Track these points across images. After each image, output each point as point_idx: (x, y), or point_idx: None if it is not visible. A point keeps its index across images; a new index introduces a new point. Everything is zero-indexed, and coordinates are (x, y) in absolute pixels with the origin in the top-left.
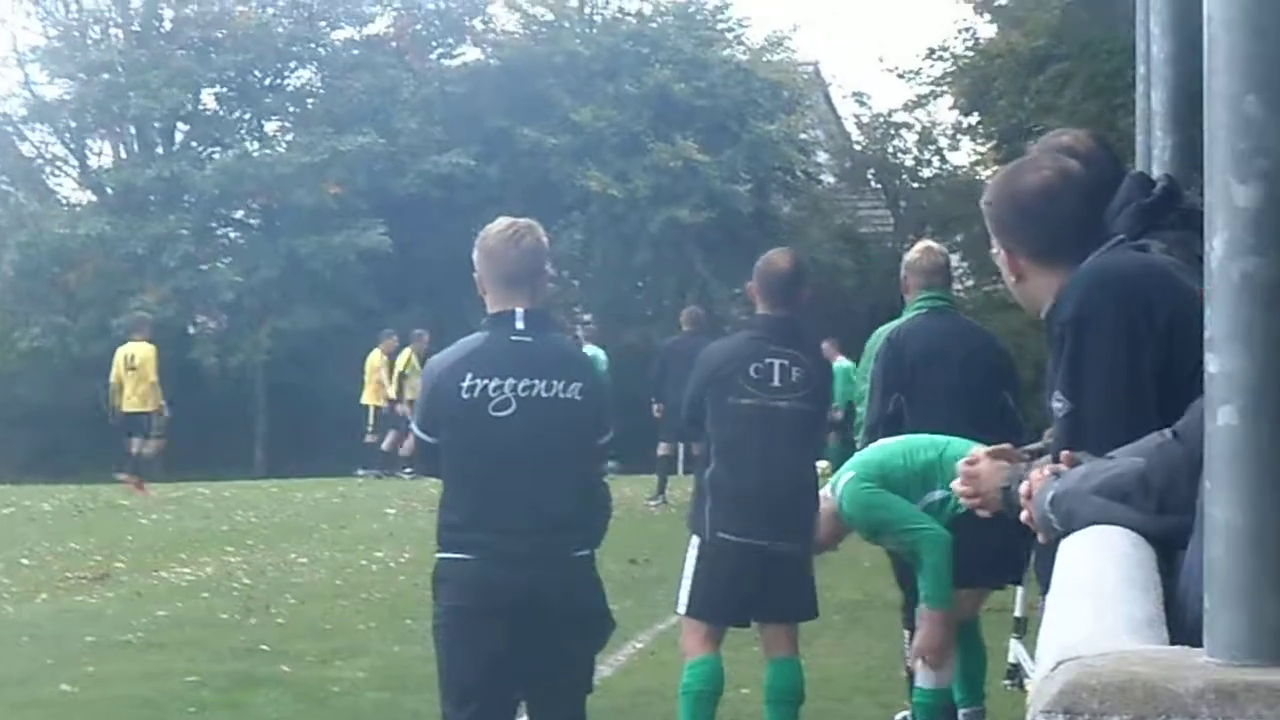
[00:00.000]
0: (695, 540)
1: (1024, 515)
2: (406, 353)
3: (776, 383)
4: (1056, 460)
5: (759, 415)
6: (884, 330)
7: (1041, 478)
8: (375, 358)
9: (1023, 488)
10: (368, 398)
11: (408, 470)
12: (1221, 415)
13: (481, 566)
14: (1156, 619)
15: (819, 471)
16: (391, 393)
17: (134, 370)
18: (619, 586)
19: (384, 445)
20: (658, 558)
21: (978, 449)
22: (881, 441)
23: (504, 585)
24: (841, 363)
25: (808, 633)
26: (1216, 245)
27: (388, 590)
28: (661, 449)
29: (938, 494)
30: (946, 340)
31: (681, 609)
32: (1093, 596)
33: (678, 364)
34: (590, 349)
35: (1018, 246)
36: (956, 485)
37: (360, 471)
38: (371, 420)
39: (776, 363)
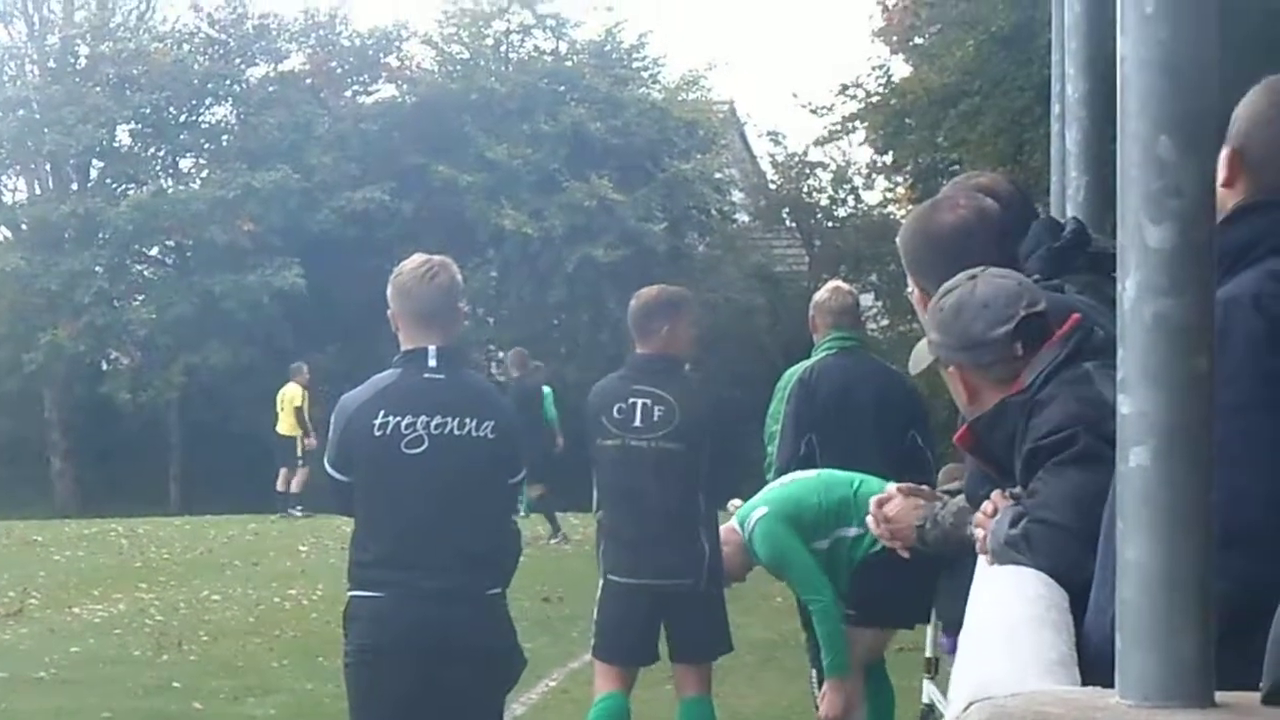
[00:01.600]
0: (601, 582)
1: (979, 533)
2: (298, 389)
3: (638, 422)
4: (972, 498)
5: (622, 456)
6: (794, 371)
7: (1005, 502)
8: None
9: (986, 506)
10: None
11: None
12: (1134, 456)
13: (393, 604)
14: (1069, 659)
15: (728, 508)
16: (283, 429)
17: None
18: (532, 624)
19: (279, 484)
20: (571, 595)
21: (891, 487)
22: (795, 475)
23: (415, 623)
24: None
25: (720, 672)
26: (1129, 286)
27: (300, 628)
28: (534, 491)
29: (851, 531)
30: (858, 380)
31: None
32: (1005, 636)
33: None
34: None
35: (932, 284)
36: (871, 524)
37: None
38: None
39: (639, 402)
